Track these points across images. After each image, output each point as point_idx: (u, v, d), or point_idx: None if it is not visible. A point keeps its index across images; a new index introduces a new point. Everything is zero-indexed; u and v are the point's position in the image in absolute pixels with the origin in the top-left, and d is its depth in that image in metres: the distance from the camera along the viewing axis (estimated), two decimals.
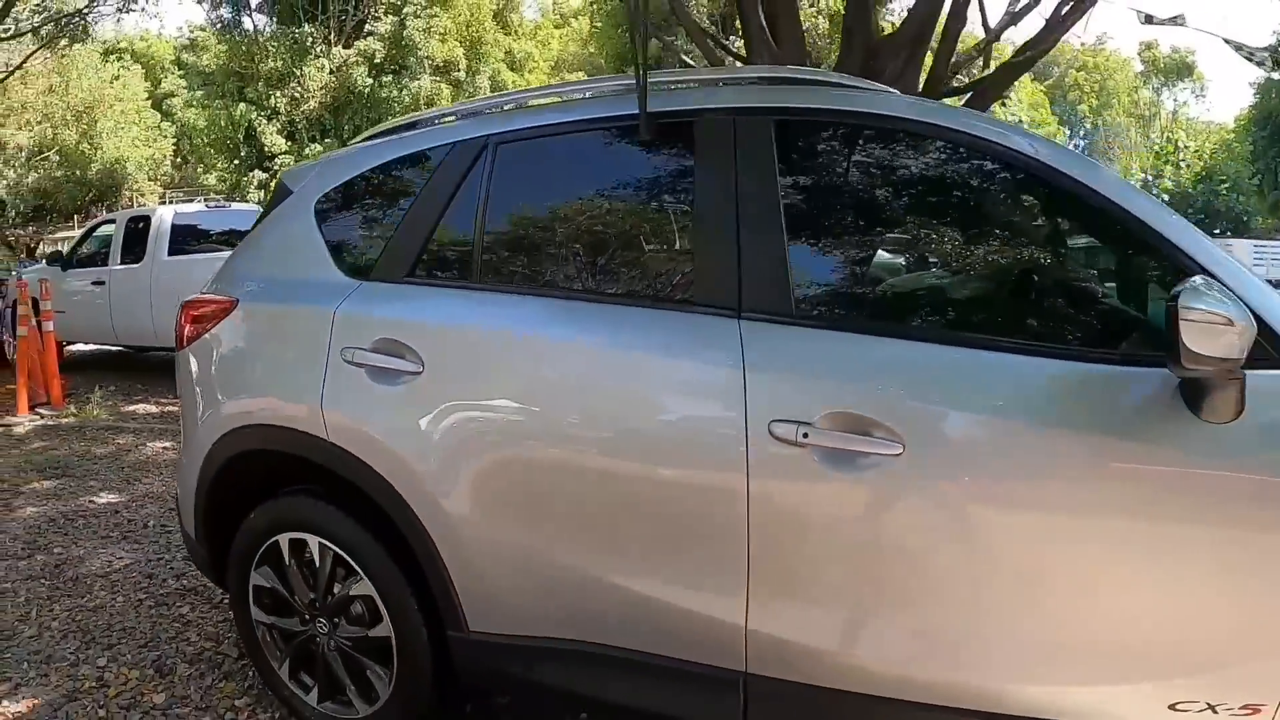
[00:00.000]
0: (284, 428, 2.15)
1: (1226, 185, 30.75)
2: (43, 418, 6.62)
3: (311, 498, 2.20)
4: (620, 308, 1.90)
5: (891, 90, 2.22)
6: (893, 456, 1.58)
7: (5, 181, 20.99)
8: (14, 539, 3.88)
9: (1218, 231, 27.14)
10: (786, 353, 1.69)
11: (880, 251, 1.90)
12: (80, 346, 9.60)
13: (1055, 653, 1.63)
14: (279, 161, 17.57)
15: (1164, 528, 1.58)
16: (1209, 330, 1.41)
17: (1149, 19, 6.98)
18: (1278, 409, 1.56)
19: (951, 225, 1.90)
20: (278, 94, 18.42)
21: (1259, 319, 1.52)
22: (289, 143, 18.71)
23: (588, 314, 1.91)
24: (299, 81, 18.52)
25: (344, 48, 19.47)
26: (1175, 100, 47.35)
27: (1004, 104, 28.65)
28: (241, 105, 18.40)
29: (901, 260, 1.91)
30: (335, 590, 2.16)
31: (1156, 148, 36.34)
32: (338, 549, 2.11)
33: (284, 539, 2.21)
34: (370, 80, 19.04)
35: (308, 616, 2.22)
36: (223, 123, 18.66)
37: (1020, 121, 28.30)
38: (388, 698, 2.13)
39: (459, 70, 20.94)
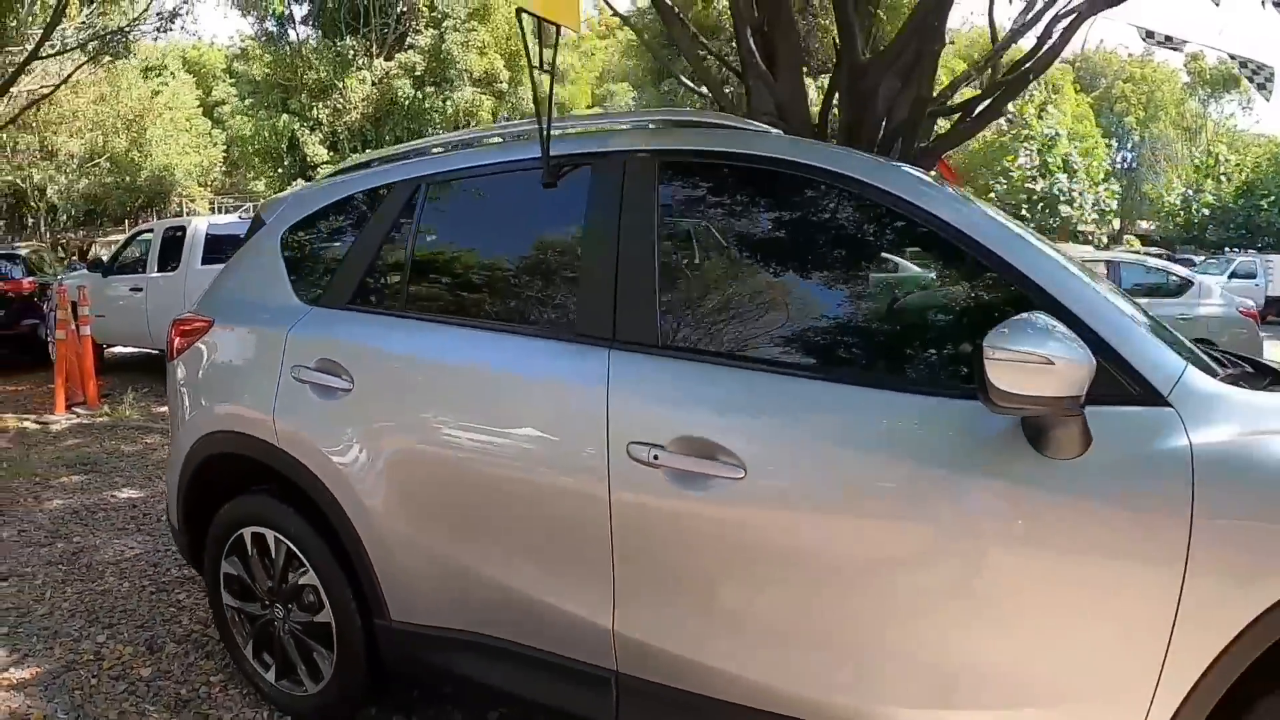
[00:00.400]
0: (245, 434, 2.45)
1: (1270, 200, 30.08)
2: (78, 416, 7.04)
3: (269, 496, 2.49)
4: (514, 336, 2.13)
5: (772, 130, 2.38)
6: (735, 480, 1.73)
7: (56, 187, 21.86)
8: (38, 528, 4.24)
9: (1260, 246, 26.49)
10: (646, 380, 1.88)
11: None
12: (119, 349, 10.03)
13: (891, 672, 1.71)
14: (320, 171, 18.19)
15: (1002, 559, 1.63)
16: (1022, 370, 1.42)
17: (1149, 35, 7.07)
18: (1130, 447, 1.54)
19: (807, 260, 2.05)
20: (320, 105, 19.04)
21: (1114, 353, 1.57)
22: (331, 153, 19.30)
23: (485, 341, 2.15)
24: (341, 93, 19.12)
25: (385, 60, 20.04)
26: (1221, 112, 46.36)
27: (1042, 116, 28.33)
28: (284, 116, 19.03)
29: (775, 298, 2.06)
30: (288, 579, 2.44)
31: (1197, 161, 35.67)
32: (290, 543, 2.39)
33: (247, 532, 2.51)
34: (412, 92, 19.57)
35: (267, 602, 2.51)
36: (266, 133, 19.33)
37: (1058, 135, 27.92)
38: (329, 678, 2.41)
39: (501, 82, 21.38)
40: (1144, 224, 39.79)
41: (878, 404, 1.72)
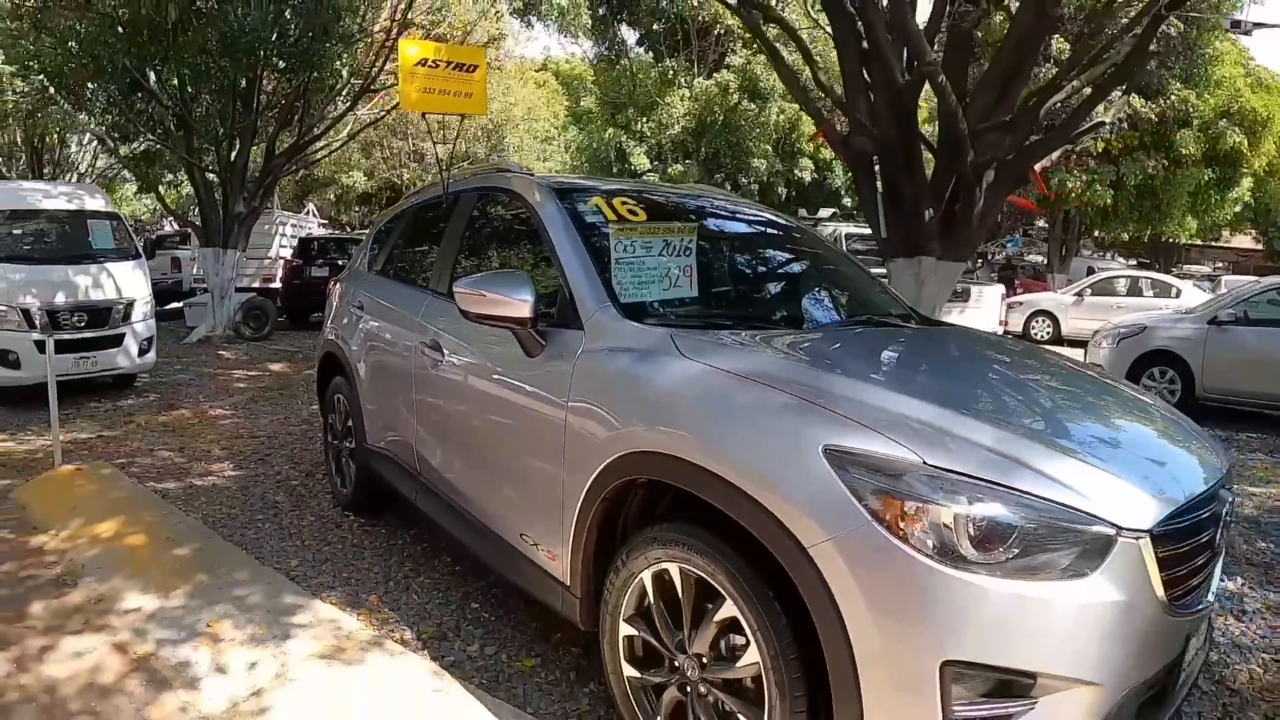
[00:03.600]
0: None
1: None
2: None
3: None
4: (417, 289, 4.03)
5: (524, 173, 3.73)
6: (443, 359, 3.52)
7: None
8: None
9: None
10: (431, 309, 3.66)
11: None
12: None
13: (492, 494, 3.35)
14: (645, 178, 21.02)
15: (513, 424, 3.06)
16: (477, 300, 2.87)
17: None
18: (559, 350, 2.85)
19: (505, 247, 3.72)
20: (644, 119, 21.84)
21: (572, 298, 2.88)
22: (655, 162, 22.11)
23: (406, 292, 4.13)
24: (664, 109, 21.76)
25: (705, 79, 22.37)
26: None
27: None
28: (610, 130, 22.08)
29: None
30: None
31: None
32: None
33: None
34: (729, 105, 21.69)
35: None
36: (594, 144, 22.58)
37: None
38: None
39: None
40: None
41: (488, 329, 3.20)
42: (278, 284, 15.21)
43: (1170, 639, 2.16)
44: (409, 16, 13.13)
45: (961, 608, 1.89)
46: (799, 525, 2.03)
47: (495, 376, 3.24)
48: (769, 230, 4.15)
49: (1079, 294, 17.92)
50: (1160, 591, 2.04)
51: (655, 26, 22.71)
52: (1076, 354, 11.09)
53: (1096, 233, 26.02)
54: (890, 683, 1.95)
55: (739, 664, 2.25)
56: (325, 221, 22.52)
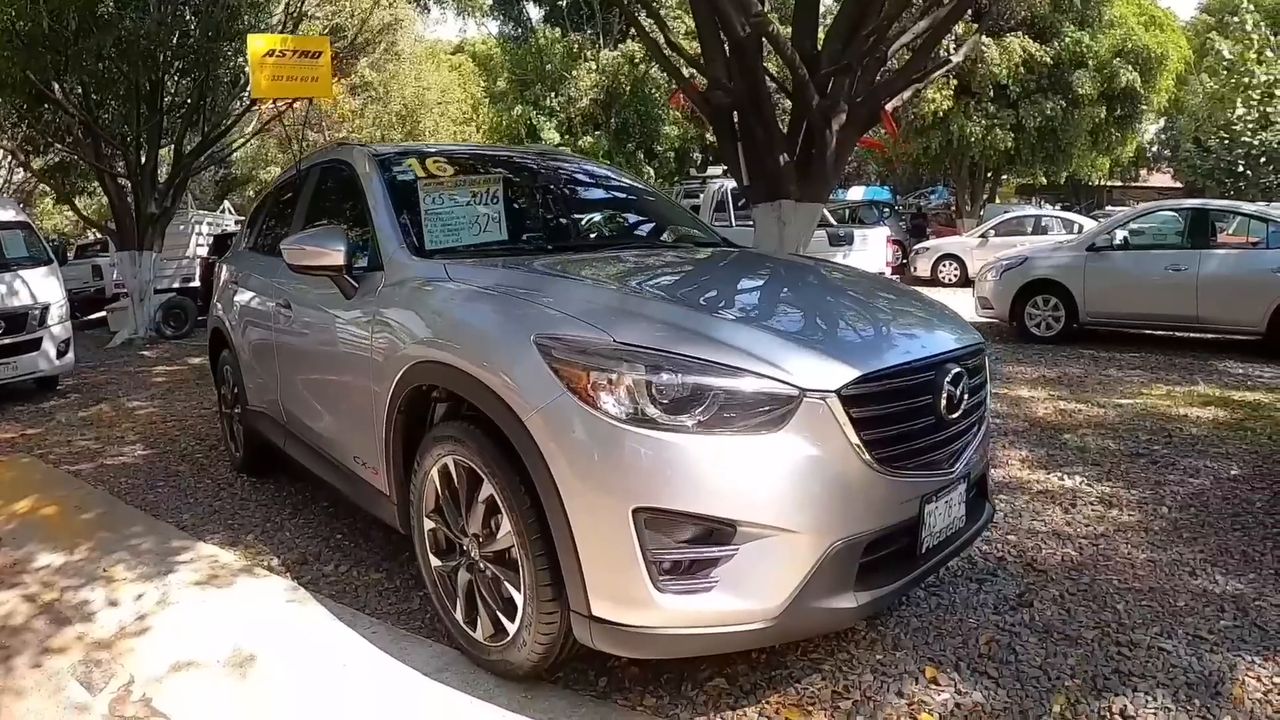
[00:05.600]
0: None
1: None
2: None
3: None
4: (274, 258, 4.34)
5: (358, 144, 4.30)
6: (289, 315, 3.98)
7: None
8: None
9: None
10: (288, 274, 3.92)
11: None
12: None
13: (331, 425, 3.79)
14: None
15: (338, 358, 3.55)
16: (300, 254, 3.28)
17: None
18: (368, 291, 3.30)
19: (341, 212, 4.11)
20: (553, 95, 22.13)
21: (377, 247, 3.36)
22: (565, 136, 22.38)
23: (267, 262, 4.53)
24: (572, 83, 22.07)
25: (611, 51, 22.70)
26: None
27: (1262, 60, 24.03)
28: (519, 107, 22.36)
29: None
30: None
31: None
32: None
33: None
34: (637, 76, 22.03)
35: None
36: (504, 122, 22.84)
37: None
38: None
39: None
40: None
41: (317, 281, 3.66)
42: (196, 282, 15.35)
43: (891, 499, 2.46)
44: (303, 9, 13.28)
45: (649, 460, 2.26)
46: (516, 401, 2.47)
47: (323, 320, 3.70)
48: (584, 179, 4.62)
49: (983, 236, 18.44)
50: (862, 450, 2.36)
51: (560, 2, 22.95)
52: None
53: (1004, 177, 26.82)
54: (595, 531, 2.31)
55: (499, 535, 2.67)
56: (243, 218, 22.55)
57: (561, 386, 2.39)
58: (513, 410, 2.47)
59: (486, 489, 2.67)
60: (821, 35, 7.82)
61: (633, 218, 4.47)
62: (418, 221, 3.47)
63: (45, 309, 8.76)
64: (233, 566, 3.89)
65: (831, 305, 3.11)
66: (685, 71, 8.01)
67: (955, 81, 20.03)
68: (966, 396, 2.76)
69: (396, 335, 3.10)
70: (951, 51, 11.13)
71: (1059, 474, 4.92)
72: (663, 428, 2.28)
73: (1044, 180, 26.54)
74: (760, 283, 3.42)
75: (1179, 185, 36.80)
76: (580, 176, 4.67)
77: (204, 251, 15.77)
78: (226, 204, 23.87)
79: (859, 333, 2.84)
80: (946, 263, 18.73)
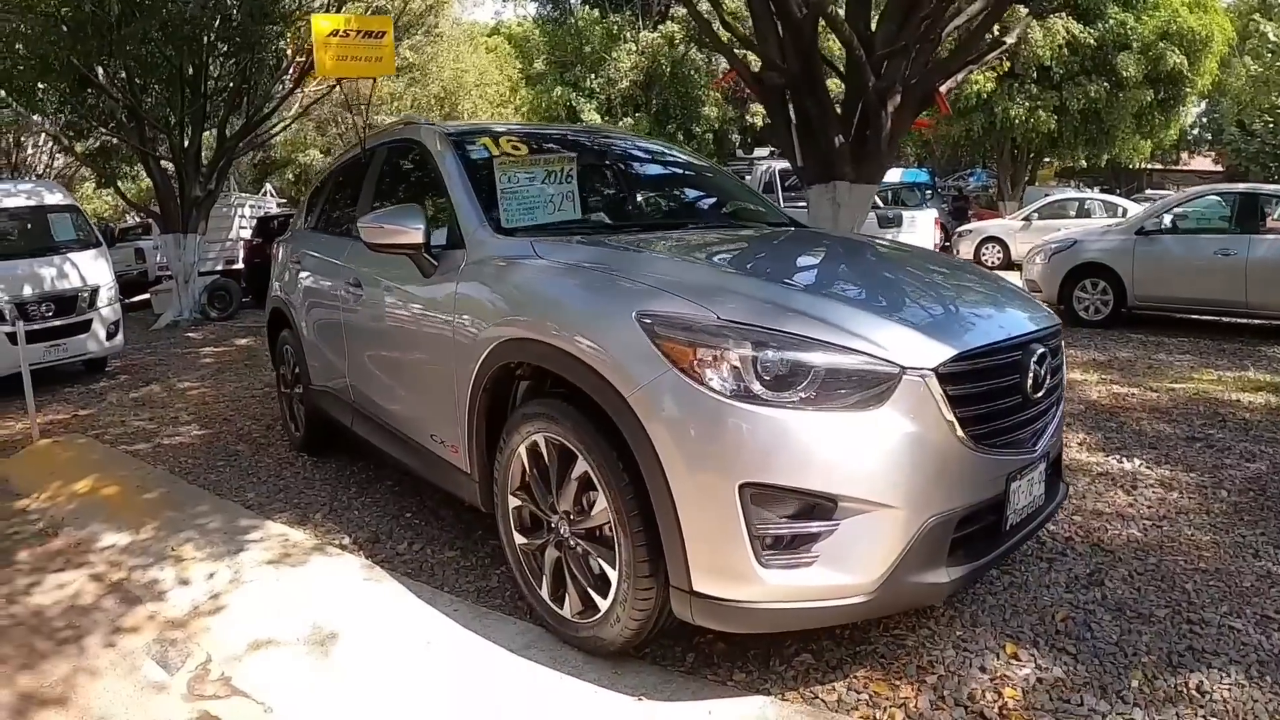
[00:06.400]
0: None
1: None
2: None
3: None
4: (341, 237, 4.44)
5: (425, 123, 4.20)
6: (361, 295, 3.96)
7: None
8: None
9: None
10: (358, 252, 3.91)
11: None
12: None
13: (407, 403, 3.77)
14: None
15: (416, 336, 3.51)
16: (377, 232, 3.25)
17: None
18: (449, 269, 3.27)
19: (412, 190, 4.10)
20: (593, 76, 22.07)
21: (458, 228, 3.33)
22: (605, 117, 22.30)
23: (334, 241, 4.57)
24: (612, 64, 21.97)
25: (650, 32, 22.57)
26: None
27: None
28: (559, 88, 22.30)
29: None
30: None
31: None
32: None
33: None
34: (677, 57, 21.91)
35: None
36: (545, 104, 22.80)
37: None
38: None
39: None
40: None
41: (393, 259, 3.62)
42: (240, 264, 15.50)
43: (981, 476, 2.49)
44: None
45: (755, 436, 2.27)
46: (619, 378, 2.45)
47: (400, 298, 3.69)
48: (651, 158, 4.58)
49: (1026, 219, 18.24)
50: (957, 426, 2.40)
51: None
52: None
53: (1046, 159, 26.45)
54: (700, 507, 2.31)
55: (594, 512, 2.66)
56: (285, 201, 22.69)
57: (666, 363, 2.37)
58: (614, 387, 2.46)
59: (580, 466, 2.66)
60: (874, 17, 7.71)
61: (699, 195, 4.44)
62: (493, 200, 3.44)
63: (95, 291, 8.89)
64: (304, 545, 3.91)
65: (919, 285, 3.08)
66: (736, 52, 7.92)
67: (1007, 64, 19.69)
68: (1049, 377, 2.80)
69: (482, 313, 3.09)
70: (1006, 33, 10.94)
71: (1118, 457, 4.88)
72: (768, 404, 2.28)
73: (1084, 163, 26.10)
74: (844, 262, 3.38)
75: (1220, 169, 36.20)
76: (641, 154, 4.63)
77: (247, 234, 15.90)
78: (269, 186, 24.03)
79: (950, 312, 2.84)
80: (989, 245, 18.53)
